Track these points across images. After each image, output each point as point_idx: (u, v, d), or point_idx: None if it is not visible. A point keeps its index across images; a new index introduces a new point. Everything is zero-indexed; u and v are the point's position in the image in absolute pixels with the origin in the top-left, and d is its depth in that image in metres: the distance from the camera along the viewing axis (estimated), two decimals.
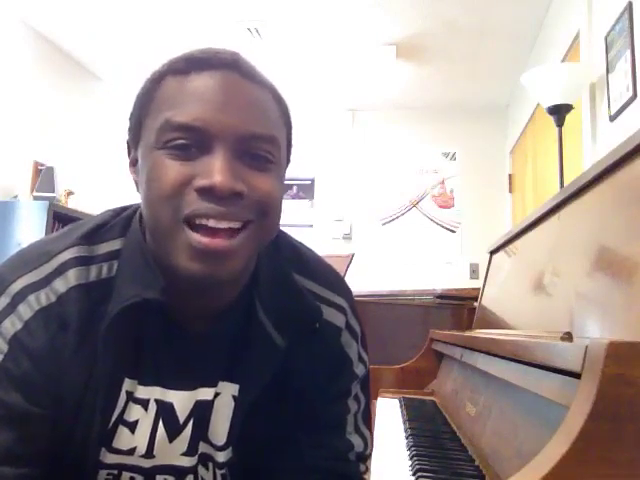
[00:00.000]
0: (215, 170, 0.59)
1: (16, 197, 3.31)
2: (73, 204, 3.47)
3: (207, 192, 0.59)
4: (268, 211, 0.64)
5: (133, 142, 0.68)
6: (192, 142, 0.60)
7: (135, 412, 0.68)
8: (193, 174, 0.60)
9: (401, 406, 1.41)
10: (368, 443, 0.80)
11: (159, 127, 0.61)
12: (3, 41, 3.31)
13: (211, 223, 0.60)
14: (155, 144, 0.62)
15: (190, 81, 0.62)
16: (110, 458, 0.68)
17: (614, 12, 2.06)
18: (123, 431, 0.68)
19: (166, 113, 0.61)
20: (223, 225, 0.60)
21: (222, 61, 0.64)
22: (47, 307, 0.64)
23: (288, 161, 0.72)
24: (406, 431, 1.11)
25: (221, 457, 0.72)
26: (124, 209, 0.75)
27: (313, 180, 4.72)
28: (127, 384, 0.67)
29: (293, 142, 0.72)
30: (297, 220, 4.56)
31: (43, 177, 3.32)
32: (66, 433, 0.65)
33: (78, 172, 3.85)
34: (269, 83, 0.68)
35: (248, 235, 0.62)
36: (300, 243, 0.82)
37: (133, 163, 0.68)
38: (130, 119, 0.68)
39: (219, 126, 0.60)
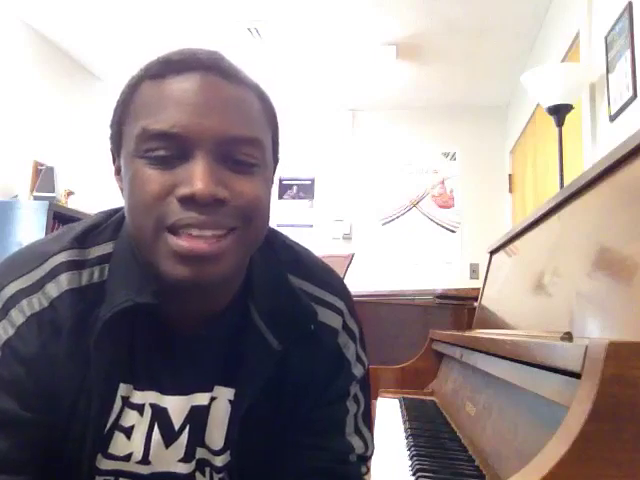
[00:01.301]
0: (196, 177, 0.58)
1: (16, 197, 3.31)
2: (73, 204, 3.47)
3: (188, 200, 0.58)
4: (254, 216, 0.62)
5: (115, 150, 0.67)
6: (171, 150, 0.59)
7: (131, 417, 0.67)
8: (174, 183, 0.59)
9: (401, 406, 1.41)
10: (369, 444, 0.78)
11: (137, 135, 0.60)
12: (3, 41, 3.31)
13: (194, 232, 0.59)
14: (135, 152, 0.60)
15: (167, 85, 0.61)
16: (106, 464, 0.67)
17: (614, 12, 2.06)
18: (119, 437, 0.67)
19: (143, 121, 0.60)
20: (207, 233, 0.59)
21: (200, 62, 0.62)
22: (39, 312, 0.63)
23: (276, 161, 0.70)
24: (406, 431, 1.11)
25: (219, 462, 0.71)
26: (116, 211, 0.74)
27: (313, 180, 4.72)
28: (122, 389, 0.66)
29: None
30: (297, 220, 4.56)
31: (43, 177, 3.32)
32: (61, 439, 0.64)
33: (78, 172, 3.85)
34: (252, 82, 0.66)
35: (234, 240, 0.61)
36: (296, 243, 0.81)
37: (117, 171, 0.67)
38: (111, 127, 0.66)
39: (198, 131, 0.59)
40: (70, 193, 3.53)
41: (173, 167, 0.59)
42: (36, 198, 3.22)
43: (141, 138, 0.60)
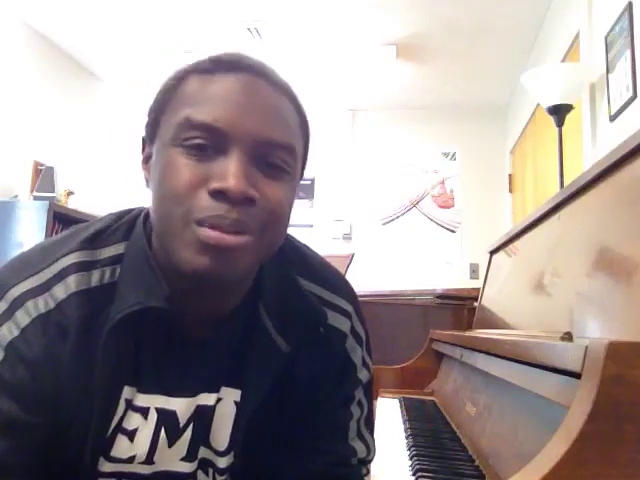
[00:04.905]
0: (230, 173, 0.58)
1: (16, 197, 3.31)
2: (73, 204, 3.46)
3: (220, 195, 0.58)
4: (275, 221, 0.62)
5: (149, 138, 0.67)
6: (209, 142, 0.60)
7: (134, 420, 0.67)
8: (207, 175, 0.59)
9: (401, 406, 1.41)
10: (371, 448, 0.79)
11: (178, 124, 0.61)
12: (3, 41, 3.31)
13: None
14: (172, 141, 0.61)
15: (215, 81, 0.62)
16: (108, 467, 0.67)
17: (614, 12, 2.06)
18: (122, 440, 0.67)
19: (187, 110, 0.61)
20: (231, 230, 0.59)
21: (249, 65, 0.63)
22: (45, 314, 0.63)
23: (302, 175, 0.70)
24: (406, 431, 1.12)
25: (222, 463, 0.71)
26: (127, 212, 0.74)
27: (313, 180, 4.72)
28: (126, 392, 0.66)
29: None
30: (297, 220, 4.54)
31: (43, 177, 3.32)
32: (62, 442, 0.63)
33: (78, 172, 3.85)
34: (292, 93, 0.67)
35: (254, 239, 0.61)
36: (305, 246, 0.81)
37: (146, 160, 0.68)
38: (149, 114, 0.67)
39: (238, 128, 0.59)
40: (70, 193, 3.53)
41: (208, 160, 0.60)
42: (36, 198, 3.22)
43: (182, 126, 0.60)
